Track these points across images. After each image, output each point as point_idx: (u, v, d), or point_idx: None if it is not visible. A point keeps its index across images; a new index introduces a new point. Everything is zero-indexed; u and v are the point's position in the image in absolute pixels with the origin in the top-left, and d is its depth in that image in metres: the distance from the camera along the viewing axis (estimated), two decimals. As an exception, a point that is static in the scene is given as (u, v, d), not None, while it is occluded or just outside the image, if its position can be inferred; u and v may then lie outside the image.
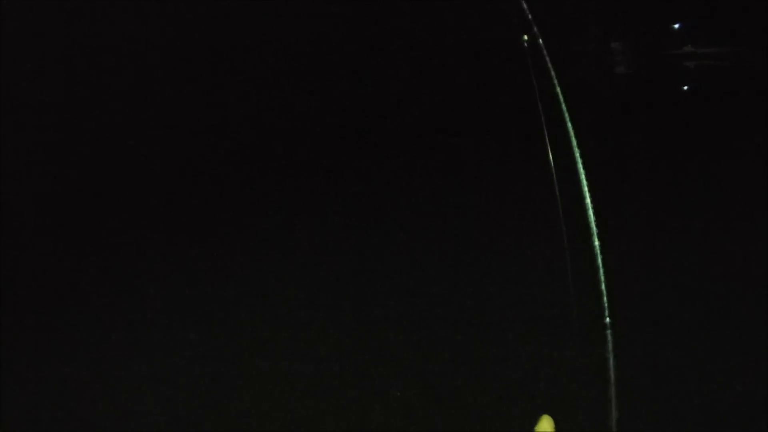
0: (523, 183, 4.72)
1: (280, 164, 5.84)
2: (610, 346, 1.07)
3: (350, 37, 7.13)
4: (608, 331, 1.03)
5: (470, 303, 3.83)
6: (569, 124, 0.95)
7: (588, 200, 0.97)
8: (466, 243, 4.46)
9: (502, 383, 3.12)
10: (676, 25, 8.64)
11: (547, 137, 1.09)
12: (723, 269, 3.92)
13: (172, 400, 3.21)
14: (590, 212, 0.93)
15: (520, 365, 3.21)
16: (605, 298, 1.02)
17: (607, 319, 1.03)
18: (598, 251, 0.99)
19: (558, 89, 0.93)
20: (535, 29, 0.97)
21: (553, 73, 0.96)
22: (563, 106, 0.91)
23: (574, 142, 0.94)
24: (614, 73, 7.99)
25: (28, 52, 6.45)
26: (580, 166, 0.94)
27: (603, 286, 1.03)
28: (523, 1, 0.99)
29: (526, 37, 1.00)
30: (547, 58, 0.96)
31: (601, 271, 0.95)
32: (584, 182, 0.91)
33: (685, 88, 8.31)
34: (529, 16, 0.98)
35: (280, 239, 4.70)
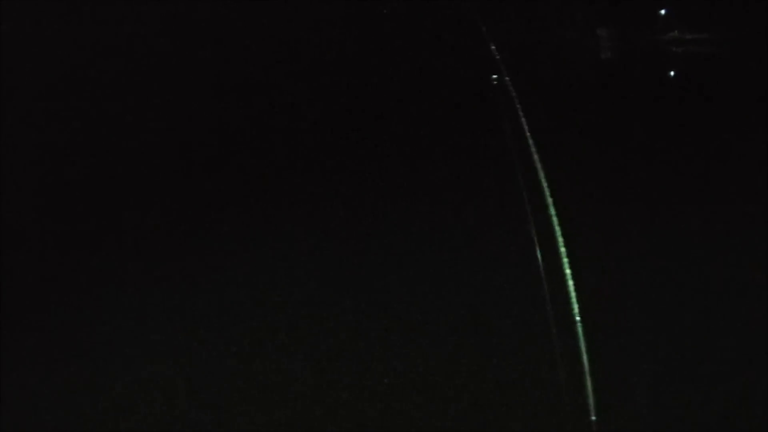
0: (497, 188, 4.78)
1: (267, 171, 5.88)
2: (581, 338, 1.15)
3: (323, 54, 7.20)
4: (578, 326, 1.11)
5: (443, 303, 3.83)
6: (536, 156, 1.02)
7: (552, 210, 1.05)
8: (439, 245, 4.43)
9: (480, 380, 3.16)
10: (663, 11, 8.66)
11: (516, 159, 1.19)
12: (706, 262, 3.98)
13: (170, 399, 3.09)
14: (554, 217, 0.99)
15: (496, 360, 3.25)
16: (573, 296, 1.09)
17: (577, 317, 1.11)
18: (564, 254, 1.06)
19: (523, 120, 1.03)
20: (503, 69, 1.08)
21: (519, 108, 1.07)
22: (530, 141, 1.01)
23: (540, 165, 1.01)
24: (600, 59, 8.03)
25: (28, 52, 6.43)
26: (546, 191, 1.01)
27: (570, 285, 1.12)
28: (491, 44, 1.11)
29: (495, 77, 1.11)
30: (515, 96, 1.07)
31: (568, 271, 1.02)
32: (550, 200, 0.98)
33: (672, 73, 8.35)
34: (497, 57, 1.08)
35: (273, 240, 4.69)
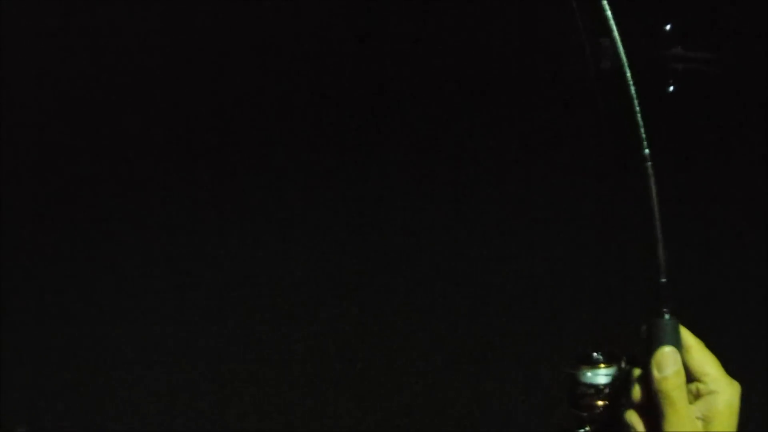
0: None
1: (282, 158, 5.82)
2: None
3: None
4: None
5: (475, 302, 3.85)
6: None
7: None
8: (469, 245, 4.48)
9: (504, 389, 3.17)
10: (668, 26, 8.65)
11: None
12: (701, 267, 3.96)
13: (170, 398, 3.24)
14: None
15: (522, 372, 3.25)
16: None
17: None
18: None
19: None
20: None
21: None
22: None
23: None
24: (600, 68, 7.96)
25: (28, 53, 6.50)
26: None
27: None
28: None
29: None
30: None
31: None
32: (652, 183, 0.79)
33: (671, 89, 8.38)
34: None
35: (282, 234, 4.71)
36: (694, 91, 6.96)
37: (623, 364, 0.84)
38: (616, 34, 0.82)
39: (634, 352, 0.80)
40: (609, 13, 0.81)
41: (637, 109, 0.77)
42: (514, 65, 5.99)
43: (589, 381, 0.85)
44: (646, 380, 0.74)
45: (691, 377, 0.75)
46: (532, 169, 5.20)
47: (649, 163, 0.77)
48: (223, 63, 7.00)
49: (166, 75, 6.76)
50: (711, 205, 4.87)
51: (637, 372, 0.77)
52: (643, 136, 0.77)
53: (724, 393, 0.74)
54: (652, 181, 0.77)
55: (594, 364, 0.86)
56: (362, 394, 3.24)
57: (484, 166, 5.35)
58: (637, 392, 0.76)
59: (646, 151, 0.77)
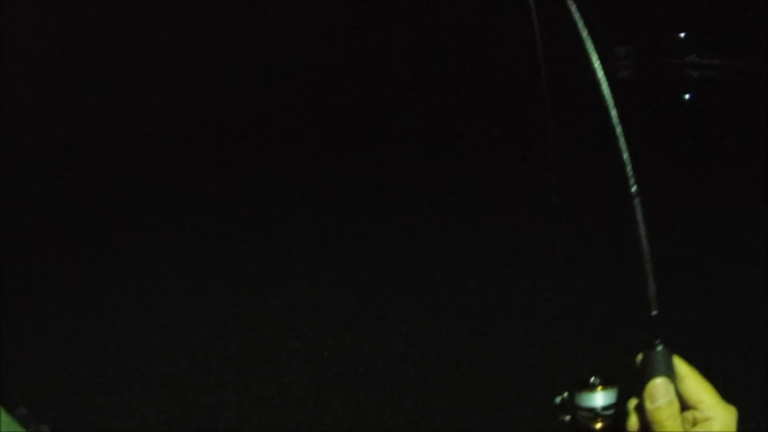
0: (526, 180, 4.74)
1: (282, 163, 5.79)
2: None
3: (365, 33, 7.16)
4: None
5: (474, 301, 3.86)
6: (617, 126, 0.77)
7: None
8: (469, 241, 4.49)
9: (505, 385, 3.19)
10: (682, 34, 8.86)
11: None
12: (719, 272, 3.92)
13: (170, 400, 3.26)
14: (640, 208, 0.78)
15: (523, 366, 3.26)
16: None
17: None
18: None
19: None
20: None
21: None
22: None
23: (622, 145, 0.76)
24: (616, 77, 7.59)
25: (28, 53, 6.27)
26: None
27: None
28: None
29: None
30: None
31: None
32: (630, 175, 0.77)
33: (687, 96, 8.46)
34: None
35: (281, 235, 4.66)
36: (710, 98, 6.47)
37: (620, 389, 0.86)
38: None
39: (631, 382, 0.77)
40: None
41: (624, 147, 0.73)
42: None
43: (586, 404, 0.88)
44: (641, 411, 0.74)
45: (686, 406, 0.73)
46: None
47: (638, 200, 0.74)
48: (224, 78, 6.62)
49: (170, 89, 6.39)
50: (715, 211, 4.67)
51: (633, 403, 0.76)
52: (630, 173, 0.73)
53: (720, 418, 0.72)
54: (641, 217, 0.74)
55: (591, 388, 0.89)
56: (360, 393, 3.27)
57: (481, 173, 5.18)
58: (633, 423, 0.76)
59: (634, 188, 0.73)
